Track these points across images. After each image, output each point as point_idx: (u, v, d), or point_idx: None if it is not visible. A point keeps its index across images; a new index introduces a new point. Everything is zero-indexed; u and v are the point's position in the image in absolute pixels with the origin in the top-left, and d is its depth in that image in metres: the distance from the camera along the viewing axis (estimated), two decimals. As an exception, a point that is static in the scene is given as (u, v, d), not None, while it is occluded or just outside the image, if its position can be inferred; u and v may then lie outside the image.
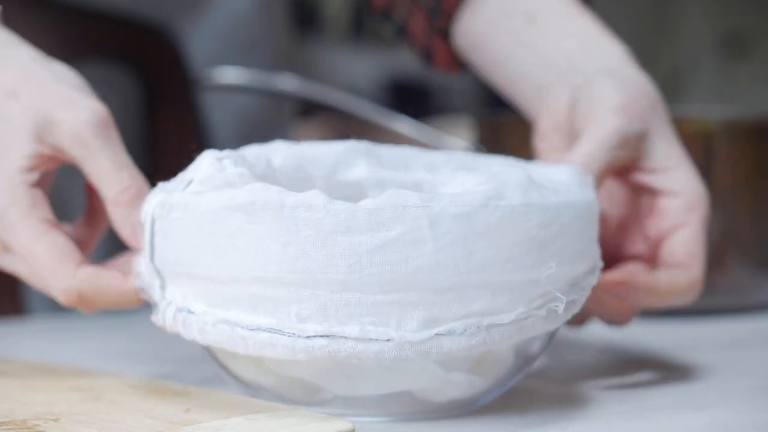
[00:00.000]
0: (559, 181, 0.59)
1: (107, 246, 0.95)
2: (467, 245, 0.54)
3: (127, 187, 0.62)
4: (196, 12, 0.99)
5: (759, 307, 0.89)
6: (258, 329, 0.55)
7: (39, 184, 0.64)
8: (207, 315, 0.56)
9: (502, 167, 0.61)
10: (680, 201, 0.67)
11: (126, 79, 0.97)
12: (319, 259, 0.53)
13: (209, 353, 0.59)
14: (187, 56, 0.99)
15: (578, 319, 0.67)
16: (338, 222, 0.53)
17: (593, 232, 0.60)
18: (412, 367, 0.56)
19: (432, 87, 3.68)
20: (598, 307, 0.65)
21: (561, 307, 0.56)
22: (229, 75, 0.97)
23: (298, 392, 0.58)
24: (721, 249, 0.88)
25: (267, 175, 0.60)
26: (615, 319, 0.67)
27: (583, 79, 0.70)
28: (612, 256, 0.67)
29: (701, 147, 0.87)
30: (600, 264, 0.61)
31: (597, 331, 0.73)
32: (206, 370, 0.67)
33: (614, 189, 0.69)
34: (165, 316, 0.58)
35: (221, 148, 0.59)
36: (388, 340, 0.54)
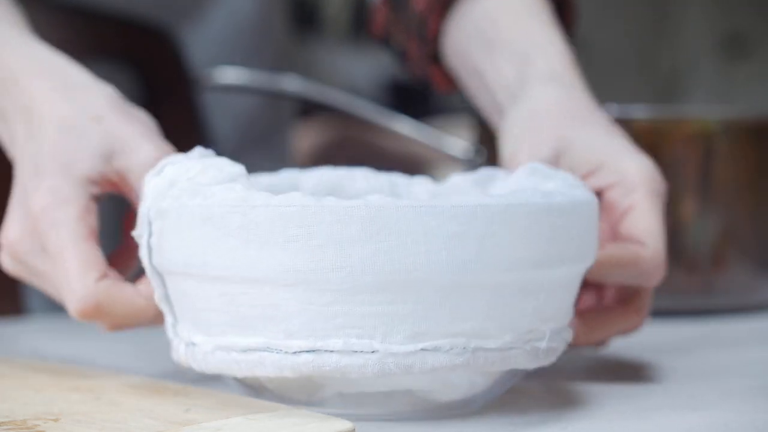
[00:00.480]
0: (554, 188, 0.59)
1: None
2: (462, 259, 0.54)
3: None
4: (196, 13, 0.99)
5: (759, 307, 0.89)
6: (249, 350, 0.55)
7: (96, 199, 0.65)
8: (206, 344, 0.57)
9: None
10: (619, 188, 0.66)
11: (126, 79, 0.97)
12: (309, 268, 0.53)
13: None
14: (188, 56, 0.99)
15: (600, 342, 0.67)
16: (330, 232, 0.53)
17: (593, 234, 0.60)
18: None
19: (432, 87, 3.68)
20: (607, 329, 0.66)
21: (543, 344, 0.56)
22: (229, 75, 0.97)
23: (298, 392, 0.58)
24: (721, 249, 0.88)
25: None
26: (626, 331, 0.67)
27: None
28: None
29: (701, 147, 0.87)
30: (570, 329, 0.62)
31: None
32: (206, 370, 0.67)
33: None
34: (179, 353, 0.58)
35: (221, 148, 0.60)
36: (373, 352, 0.54)
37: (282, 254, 0.54)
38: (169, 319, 0.59)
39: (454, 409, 0.58)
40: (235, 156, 1.03)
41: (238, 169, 0.58)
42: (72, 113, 0.66)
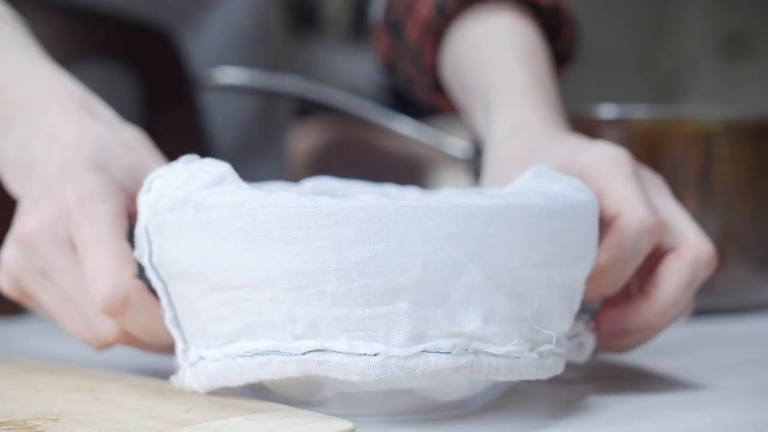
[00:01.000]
0: (557, 190, 0.59)
1: None
2: (460, 260, 0.54)
3: None
4: (194, 16, 0.99)
5: (759, 307, 0.89)
6: (257, 354, 0.55)
7: (132, 206, 0.64)
8: (214, 355, 0.57)
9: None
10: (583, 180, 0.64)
11: (126, 79, 0.97)
12: (310, 270, 0.53)
13: None
14: (187, 56, 0.99)
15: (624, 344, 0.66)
16: (329, 234, 0.53)
17: (593, 236, 0.60)
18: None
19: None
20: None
21: (547, 349, 0.56)
22: (229, 75, 0.97)
23: (298, 392, 0.58)
24: (721, 249, 0.88)
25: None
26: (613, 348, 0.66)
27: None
28: None
29: (701, 147, 0.87)
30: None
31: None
32: (206, 370, 0.67)
33: None
34: (184, 377, 0.58)
35: (220, 150, 0.60)
36: (375, 354, 0.54)
37: (282, 257, 0.54)
38: (179, 345, 0.59)
39: (454, 409, 0.58)
40: (233, 159, 1.03)
41: (225, 168, 0.57)
42: (107, 136, 0.66)
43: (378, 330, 0.54)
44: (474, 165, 0.94)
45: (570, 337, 0.61)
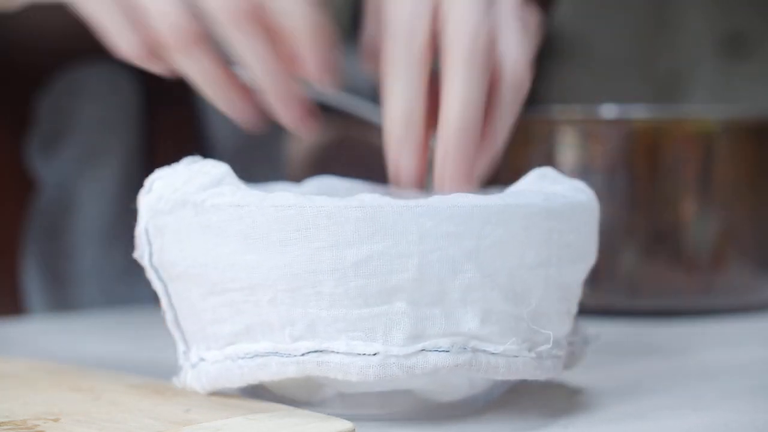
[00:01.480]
0: (558, 191, 0.59)
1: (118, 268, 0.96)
2: (458, 260, 0.54)
3: None
4: None
5: (759, 307, 0.89)
6: (256, 356, 0.55)
7: None
8: (214, 357, 0.57)
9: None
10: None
11: (126, 79, 0.97)
12: (308, 270, 0.53)
13: None
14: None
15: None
16: (327, 234, 0.53)
17: (592, 238, 0.60)
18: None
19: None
20: None
21: (546, 350, 0.56)
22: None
23: (298, 392, 0.58)
24: (721, 249, 0.88)
25: None
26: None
27: None
28: None
29: (701, 147, 0.87)
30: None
31: (597, 331, 0.73)
32: (206, 370, 0.67)
33: None
34: (186, 379, 0.58)
35: (220, 149, 0.60)
36: (375, 354, 0.54)
37: (280, 258, 0.54)
38: (181, 346, 0.59)
39: (454, 409, 0.58)
40: (233, 159, 1.03)
41: (223, 169, 0.57)
42: None
43: (377, 330, 0.54)
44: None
45: (569, 342, 0.61)
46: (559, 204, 0.57)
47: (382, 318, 0.54)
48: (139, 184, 0.62)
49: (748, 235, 0.89)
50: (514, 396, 0.62)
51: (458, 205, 0.54)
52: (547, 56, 3.81)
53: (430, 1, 0.63)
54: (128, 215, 0.65)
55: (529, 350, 0.56)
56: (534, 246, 0.56)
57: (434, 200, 0.54)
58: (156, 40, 0.64)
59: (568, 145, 0.87)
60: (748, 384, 0.67)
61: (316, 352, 0.54)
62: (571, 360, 0.61)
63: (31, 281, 0.93)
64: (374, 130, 1.16)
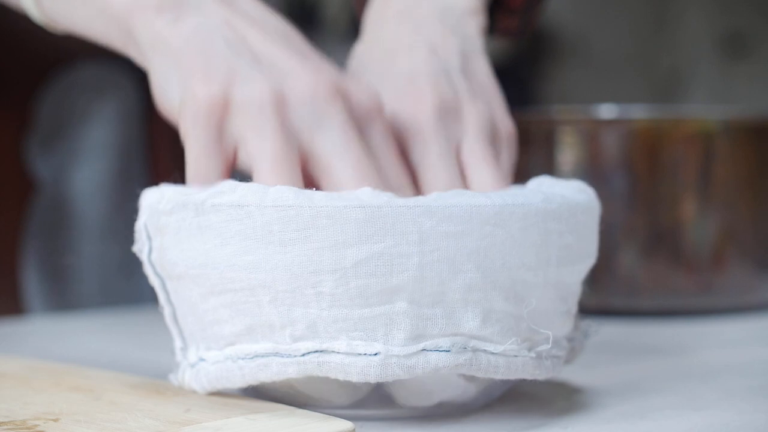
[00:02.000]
0: (558, 191, 0.59)
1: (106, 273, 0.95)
2: (457, 260, 0.54)
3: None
4: None
5: (759, 307, 0.89)
6: (257, 356, 0.55)
7: None
8: (215, 357, 0.57)
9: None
10: None
11: (126, 79, 0.97)
12: (309, 271, 0.53)
13: None
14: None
15: None
16: (326, 235, 0.53)
17: (592, 238, 0.60)
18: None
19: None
20: None
21: (546, 350, 0.56)
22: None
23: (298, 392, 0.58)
24: (721, 249, 0.88)
25: None
26: None
27: None
28: None
29: (701, 147, 0.87)
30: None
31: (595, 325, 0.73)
32: (206, 370, 0.67)
33: None
34: (184, 377, 0.58)
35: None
36: (375, 354, 0.54)
37: (280, 258, 0.54)
38: (178, 343, 0.59)
39: (453, 409, 0.58)
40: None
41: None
42: None
43: (377, 330, 0.54)
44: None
45: (569, 340, 0.61)
46: (557, 204, 0.57)
47: (383, 318, 0.54)
48: (137, 180, 0.62)
49: (748, 235, 0.89)
50: (514, 396, 0.62)
51: (457, 205, 0.54)
52: (547, 56, 3.81)
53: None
54: (126, 210, 0.65)
55: (529, 350, 0.56)
56: (534, 246, 0.56)
57: (434, 200, 0.54)
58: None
59: (568, 145, 0.87)
60: (748, 384, 0.67)
61: (316, 352, 0.54)
62: (571, 354, 0.61)
63: (31, 279, 0.93)
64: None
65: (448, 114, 0.64)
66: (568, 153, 0.87)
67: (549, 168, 0.87)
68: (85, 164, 0.95)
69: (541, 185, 0.60)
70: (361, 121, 0.62)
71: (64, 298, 0.94)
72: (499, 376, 0.55)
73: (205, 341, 0.57)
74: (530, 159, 0.88)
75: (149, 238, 0.58)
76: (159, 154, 0.98)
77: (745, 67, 3.44)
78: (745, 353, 0.76)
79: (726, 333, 0.83)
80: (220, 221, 0.55)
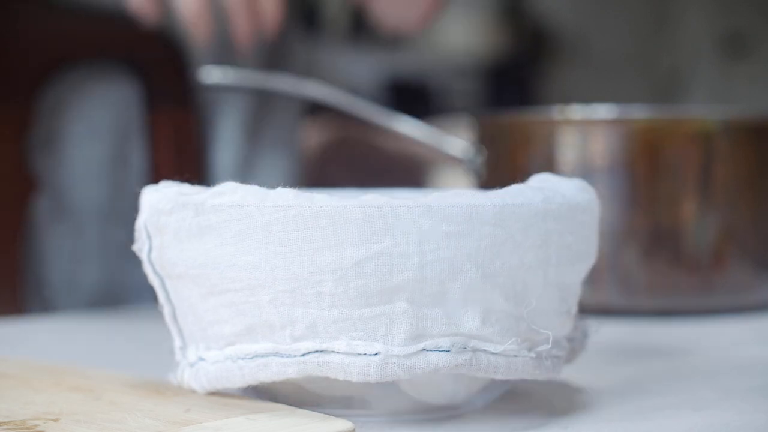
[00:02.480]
0: (559, 191, 0.59)
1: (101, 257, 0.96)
2: (456, 260, 0.54)
3: None
4: None
5: (759, 307, 0.89)
6: (256, 356, 0.55)
7: None
8: (215, 357, 0.57)
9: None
10: None
11: (126, 79, 0.97)
12: (309, 271, 0.53)
13: None
14: (188, 56, 0.99)
15: None
16: (326, 235, 0.53)
17: (592, 238, 0.60)
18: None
19: (432, 87, 3.68)
20: None
21: (546, 350, 0.56)
22: (229, 75, 0.97)
23: (298, 392, 0.58)
24: (721, 249, 0.88)
25: None
26: None
27: None
28: None
29: (701, 147, 0.87)
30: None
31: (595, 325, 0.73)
32: (206, 370, 0.67)
33: None
34: (183, 376, 0.58)
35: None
36: (375, 354, 0.54)
37: (280, 258, 0.54)
38: (178, 342, 0.59)
39: (454, 409, 0.58)
40: (242, 156, 1.03)
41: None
42: None
43: (377, 330, 0.54)
44: (474, 165, 0.94)
45: (569, 340, 0.61)
46: (557, 204, 0.57)
47: (383, 318, 0.54)
48: (135, 167, 0.62)
49: (748, 235, 0.89)
50: (514, 396, 0.62)
51: (457, 205, 0.54)
52: (547, 56, 3.81)
53: None
54: (123, 199, 0.65)
55: (529, 350, 0.56)
56: (533, 246, 0.55)
57: (434, 200, 0.54)
58: None
59: (568, 145, 0.87)
60: (748, 384, 0.67)
61: (316, 352, 0.54)
62: (571, 354, 0.61)
63: (31, 277, 0.93)
64: (374, 130, 1.16)
65: None
66: (568, 153, 0.87)
67: (549, 168, 0.87)
68: (84, 162, 0.95)
69: (543, 182, 0.60)
70: None
71: (66, 283, 0.95)
72: (499, 376, 0.55)
73: (205, 341, 0.57)
74: (530, 159, 0.88)
75: (149, 237, 0.58)
76: (159, 153, 0.98)
77: (745, 67, 3.44)
78: (745, 353, 0.76)
79: (726, 333, 0.83)
80: (220, 221, 0.55)
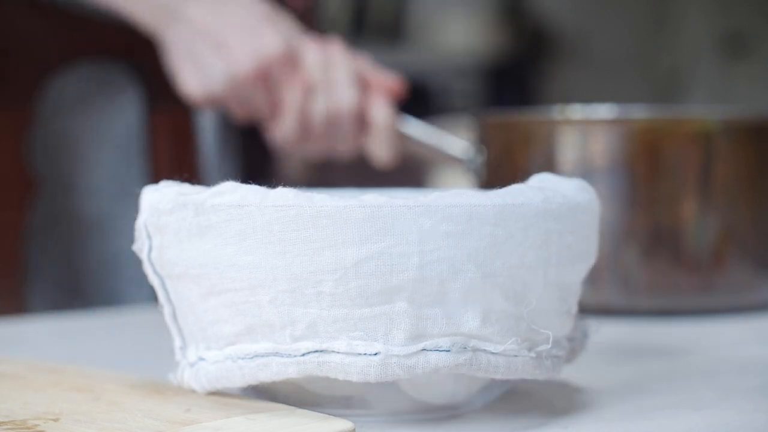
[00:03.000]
0: (559, 190, 0.59)
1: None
2: (456, 260, 0.54)
3: None
4: None
5: (759, 307, 0.89)
6: (256, 356, 0.55)
7: None
8: (215, 357, 0.57)
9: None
10: None
11: (126, 79, 0.97)
12: (309, 271, 0.53)
13: None
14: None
15: None
16: (327, 235, 0.53)
17: (591, 238, 0.60)
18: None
19: (432, 87, 3.68)
20: None
21: (546, 350, 0.56)
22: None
23: (298, 392, 0.58)
24: (721, 249, 0.88)
25: None
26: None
27: None
28: None
29: (701, 147, 0.87)
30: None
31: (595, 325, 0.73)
32: (206, 370, 0.67)
33: None
34: (183, 376, 0.58)
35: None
36: (375, 354, 0.54)
37: (280, 258, 0.54)
38: (178, 342, 0.59)
39: (454, 409, 0.58)
40: (240, 155, 1.03)
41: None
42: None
43: (378, 330, 0.54)
44: (474, 165, 0.94)
45: (569, 340, 0.61)
46: (557, 204, 0.57)
47: (383, 318, 0.54)
48: (137, 171, 0.62)
49: (748, 235, 0.89)
50: (513, 396, 0.62)
51: (457, 205, 0.54)
52: (547, 56, 3.81)
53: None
54: (124, 199, 0.65)
55: (529, 350, 0.56)
56: (533, 246, 0.55)
57: (434, 200, 0.54)
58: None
59: (568, 145, 0.87)
60: (748, 384, 0.67)
61: (316, 352, 0.54)
62: (571, 354, 0.61)
63: (32, 278, 0.93)
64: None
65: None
66: (568, 153, 0.87)
67: (549, 168, 0.87)
68: (85, 162, 0.95)
69: (543, 182, 0.60)
70: None
71: (70, 284, 0.95)
72: (499, 376, 0.55)
73: (205, 341, 0.57)
74: (530, 159, 0.88)
75: (149, 236, 0.58)
76: (159, 153, 0.98)
77: (745, 67, 3.44)
78: (745, 353, 0.76)
79: (726, 333, 0.83)
80: (220, 221, 0.55)
